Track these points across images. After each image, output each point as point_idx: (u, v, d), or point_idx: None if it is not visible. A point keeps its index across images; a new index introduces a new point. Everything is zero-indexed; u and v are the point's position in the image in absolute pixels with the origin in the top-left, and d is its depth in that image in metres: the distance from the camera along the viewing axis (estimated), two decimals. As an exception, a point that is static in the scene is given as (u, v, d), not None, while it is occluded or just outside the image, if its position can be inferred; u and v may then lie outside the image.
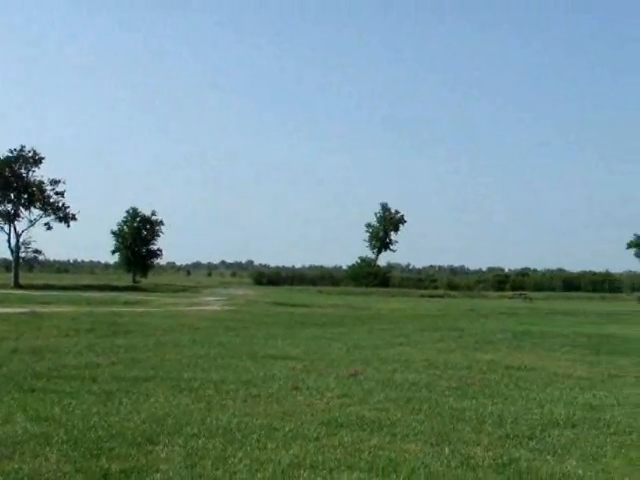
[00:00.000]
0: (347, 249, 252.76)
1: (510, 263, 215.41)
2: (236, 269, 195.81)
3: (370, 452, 7.98)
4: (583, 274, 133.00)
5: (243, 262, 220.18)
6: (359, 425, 9.38)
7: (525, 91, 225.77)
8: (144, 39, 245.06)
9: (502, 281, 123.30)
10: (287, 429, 8.98)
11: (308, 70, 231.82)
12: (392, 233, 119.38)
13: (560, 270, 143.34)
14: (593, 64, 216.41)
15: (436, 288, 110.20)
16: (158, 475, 6.98)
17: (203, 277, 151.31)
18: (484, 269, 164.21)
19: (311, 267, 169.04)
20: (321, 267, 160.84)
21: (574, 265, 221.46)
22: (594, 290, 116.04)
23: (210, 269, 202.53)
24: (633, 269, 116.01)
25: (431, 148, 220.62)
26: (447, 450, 8.15)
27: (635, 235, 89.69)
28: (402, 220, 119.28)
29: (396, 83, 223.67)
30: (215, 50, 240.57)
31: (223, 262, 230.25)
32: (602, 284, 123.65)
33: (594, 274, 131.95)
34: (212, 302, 48.84)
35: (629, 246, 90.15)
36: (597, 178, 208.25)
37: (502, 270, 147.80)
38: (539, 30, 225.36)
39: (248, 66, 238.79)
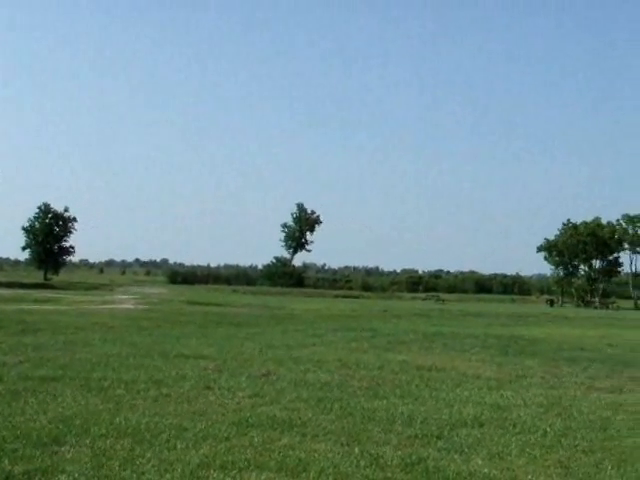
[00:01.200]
0: (263, 248, 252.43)
1: (424, 265, 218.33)
2: (150, 267, 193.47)
3: (280, 452, 7.98)
4: (494, 277, 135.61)
5: (158, 260, 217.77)
6: (270, 425, 9.38)
7: (433, 88, 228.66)
8: None
9: (415, 282, 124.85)
10: (197, 429, 8.93)
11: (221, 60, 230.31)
12: (308, 233, 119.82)
13: (472, 272, 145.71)
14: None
15: (351, 289, 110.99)
16: (63, 476, 6.86)
17: (117, 275, 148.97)
18: (398, 270, 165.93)
19: (227, 266, 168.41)
20: (237, 266, 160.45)
21: (486, 268, 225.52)
22: (505, 292, 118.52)
23: (124, 267, 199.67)
24: (542, 272, 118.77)
25: (347, 148, 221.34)
26: (357, 450, 8.22)
27: (545, 239, 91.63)
28: (318, 220, 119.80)
29: (313, 79, 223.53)
30: None
31: (137, 260, 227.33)
32: (512, 286, 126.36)
33: (505, 277, 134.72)
34: (125, 300, 48.16)
35: (539, 250, 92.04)
36: (510, 183, 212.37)
37: (416, 272, 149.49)
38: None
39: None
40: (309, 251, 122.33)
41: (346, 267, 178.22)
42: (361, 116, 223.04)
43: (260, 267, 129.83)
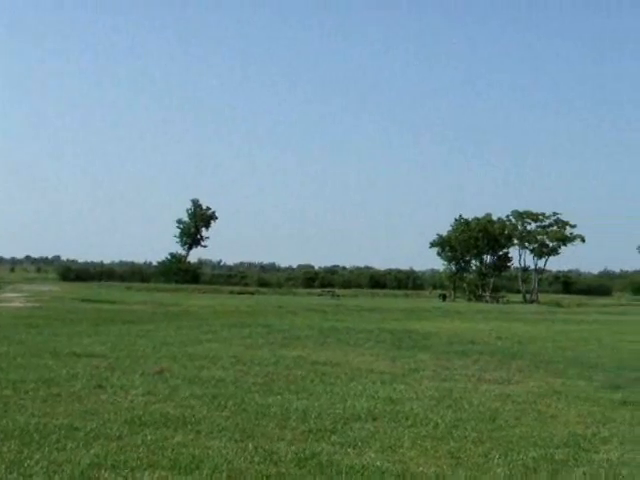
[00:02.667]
0: (157, 245, 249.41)
1: (319, 261, 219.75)
2: (42, 264, 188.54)
3: (173, 450, 7.92)
4: (389, 272, 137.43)
5: (49, 257, 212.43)
6: (163, 423, 9.29)
7: (334, 81, 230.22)
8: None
9: (311, 278, 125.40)
10: (88, 428, 8.77)
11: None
12: (203, 229, 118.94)
13: (367, 268, 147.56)
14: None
15: (246, 285, 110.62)
16: (-54, 481, 6.64)
17: (5, 273, 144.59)
18: (294, 266, 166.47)
19: (121, 263, 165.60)
20: (131, 263, 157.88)
21: (381, 263, 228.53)
22: (399, 287, 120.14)
23: (13, 264, 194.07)
24: (435, 267, 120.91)
25: (241, 143, 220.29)
26: (251, 446, 8.22)
27: (438, 235, 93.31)
28: (213, 216, 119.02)
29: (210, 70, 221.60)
30: None
31: (28, 257, 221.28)
32: (406, 281, 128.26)
33: (399, 272, 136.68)
34: (14, 298, 46.79)
35: (432, 245, 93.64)
36: (403, 179, 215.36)
37: (312, 267, 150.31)
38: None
39: None
40: (204, 247, 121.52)
41: (242, 263, 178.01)
42: (255, 112, 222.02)
43: (155, 264, 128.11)
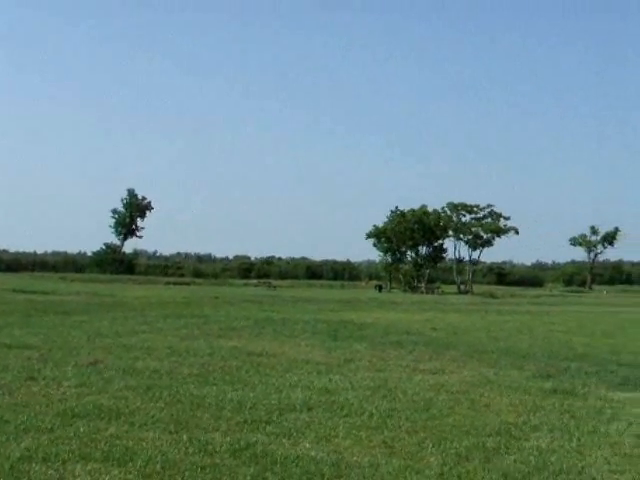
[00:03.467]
0: (92, 235, 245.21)
1: (256, 251, 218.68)
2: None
3: (107, 442, 7.83)
4: (325, 263, 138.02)
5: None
6: (96, 414, 9.18)
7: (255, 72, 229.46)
8: None
9: (248, 269, 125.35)
10: (19, 421, 8.62)
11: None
12: (139, 219, 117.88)
13: (304, 259, 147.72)
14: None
15: (182, 275, 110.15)
16: None
17: None
18: (230, 257, 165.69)
19: (54, 253, 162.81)
20: (64, 253, 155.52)
21: (317, 254, 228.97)
22: (335, 278, 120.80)
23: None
24: (372, 258, 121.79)
25: (174, 132, 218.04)
26: (185, 437, 8.17)
27: (374, 226, 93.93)
28: (149, 206, 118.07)
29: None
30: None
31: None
32: (343, 272, 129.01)
33: (335, 263, 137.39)
34: (-58, 289, 45.83)
35: (368, 236, 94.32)
36: (339, 170, 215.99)
37: (248, 258, 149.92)
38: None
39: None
40: (140, 237, 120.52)
41: (178, 254, 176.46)
42: (188, 103, 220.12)
43: (89, 254, 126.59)
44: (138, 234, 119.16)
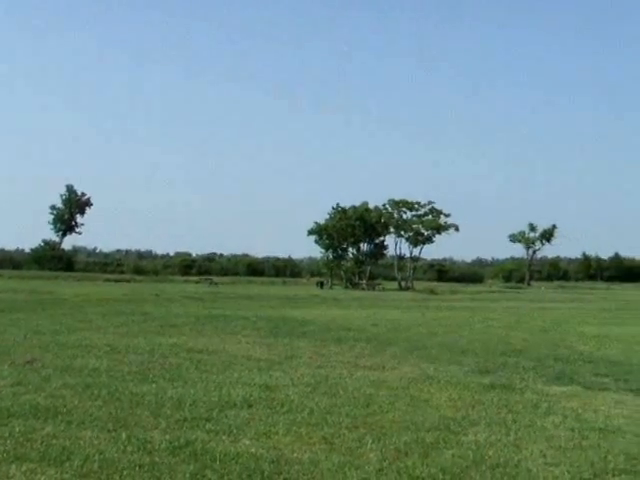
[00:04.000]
0: (30, 231, 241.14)
1: (197, 248, 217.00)
2: None
3: (43, 441, 7.72)
4: (267, 259, 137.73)
5: None
6: (33, 414, 9.04)
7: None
8: None
9: (189, 266, 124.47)
10: (-47, 421, 8.46)
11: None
12: (78, 216, 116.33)
13: (245, 255, 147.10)
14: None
15: (122, 272, 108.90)
16: None
17: None
18: (172, 254, 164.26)
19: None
20: (2, 250, 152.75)
21: (259, 251, 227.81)
22: (277, 275, 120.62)
23: None
24: (313, 255, 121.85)
25: (114, 128, 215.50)
26: (124, 435, 8.09)
27: (315, 223, 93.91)
28: (89, 203, 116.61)
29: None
30: None
31: None
32: (284, 269, 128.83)
33: (277, 259, 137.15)
34: None
35: (309, 233, 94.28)
36: (281, 167, 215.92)
37: (189, 255, 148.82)
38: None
39: None
40: (79, 234, 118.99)
41: (118, 250, 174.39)
42: (131, 97, 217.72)
43: (28, 251, 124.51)
44: (77, 230, 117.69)
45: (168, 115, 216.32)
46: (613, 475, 7.23)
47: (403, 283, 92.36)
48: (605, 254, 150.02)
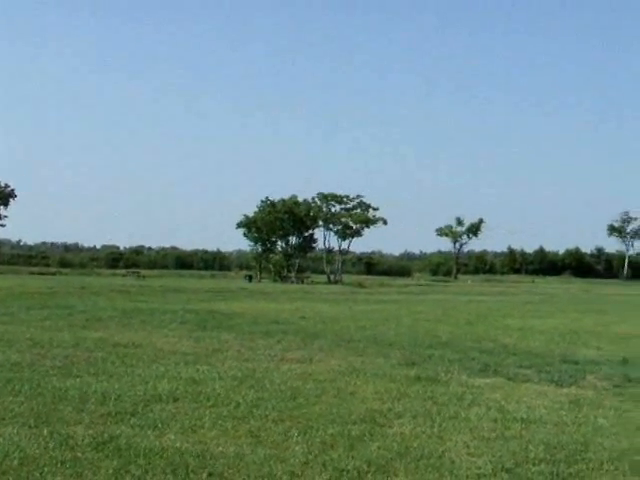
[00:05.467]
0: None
1: (125, 241, 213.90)
2: None
3: (-39, 438, 7.55)
4: (195, 252, 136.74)
5: None
6: (-49, 410, 8.84)
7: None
8: None
9: (116, 259, 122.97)
10: None
11: None
12: (2, 207, 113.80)
13: (174, 248, 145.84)
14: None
15: (48, 265, 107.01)
16: None
17: None
18: (98, 246, 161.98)
19: None
20: None
21: (187, 244, 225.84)
22: (206, 268, 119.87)
23: None
24: (242, 248, 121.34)
25: (39, 118, 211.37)
26: (46, 431, 7.96)
27: (244, 216, 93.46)
28: (12, 194, 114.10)
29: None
30: None
31: None
32: (213, 262, 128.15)
33: (206, 252, 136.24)
34: None
35: (238, 226, 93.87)
36: (208, 159, 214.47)
37: (117, 248, 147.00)
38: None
39: None
40: (3, 226, 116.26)
41: (43, 243, 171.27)
42: (59, 88, 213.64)
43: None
44: (1, 223, 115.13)
45: (92, 107, 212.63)
46: (534, 464, 7.37)
47: (332, 276, 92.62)
48: (530, 248, 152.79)
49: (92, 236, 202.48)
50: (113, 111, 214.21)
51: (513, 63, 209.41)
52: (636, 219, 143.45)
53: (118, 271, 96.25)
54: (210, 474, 6.75)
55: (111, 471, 6.72)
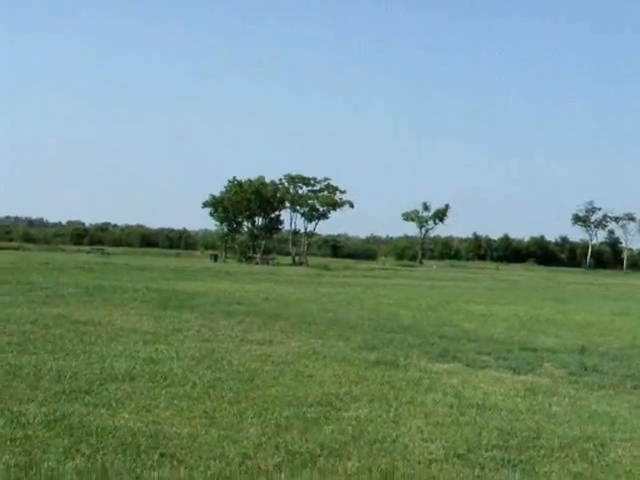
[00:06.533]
0: None
1: (90, 217, 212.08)
2: None
3: None
4: (161, 231, 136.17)
5: None
6: None
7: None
8: None
9: (81, 235, 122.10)
10: None
11: None
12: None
13: (139, 226, 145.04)
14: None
15: (11, 240, 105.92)
16: None
17: None
18: (64, 222, 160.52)
19: None
20: None
21: (153, 222, 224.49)
22: (171, 247, 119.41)
23: None
24: (208, 228, 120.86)
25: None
26: (-3, 408, 7.88)
27: (211, 195, 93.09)
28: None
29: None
30: None
31: None
32: (179, 241, 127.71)
33: (172, 231, 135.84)
34: None
35: (204, 205, 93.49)
36: (178, 139, 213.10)
37: (82, 224, 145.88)
38: None
39: None
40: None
41: (7, 217, 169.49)
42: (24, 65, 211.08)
43: None
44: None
45: (62, 82, 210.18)
46: (486, 450, 7.41)
47: (297, 258, 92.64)
48: (495, 235, 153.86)
49: (57, 212, 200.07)
50: (82, 87, 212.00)
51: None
52: (600, 209, 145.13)
53: (83, 248, 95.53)
54: (162, 454, 6.70)
55: (61, 449, 6.65)
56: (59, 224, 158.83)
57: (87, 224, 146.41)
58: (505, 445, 7.62)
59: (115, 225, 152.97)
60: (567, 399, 10.25)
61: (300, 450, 7.06)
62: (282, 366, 11.63)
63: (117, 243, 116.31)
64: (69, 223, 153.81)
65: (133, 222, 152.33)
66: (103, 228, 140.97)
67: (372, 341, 15.23)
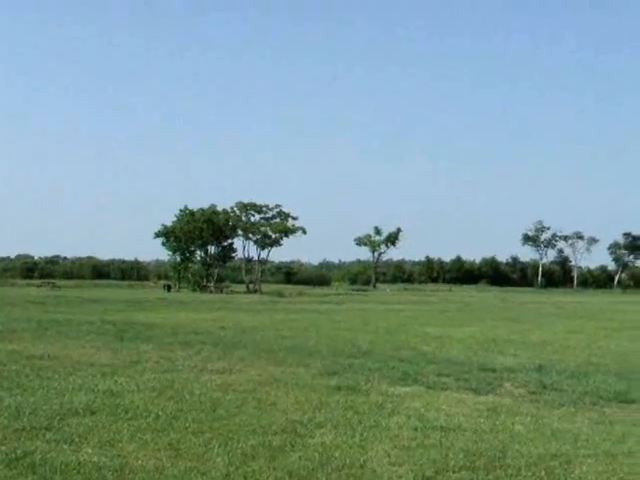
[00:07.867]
0: None
1: (39, 251, 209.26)
2: None
3: None
4: (112, 262, 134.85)
5: None
6: None
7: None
8: None
9: (30, 269, 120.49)
10: None
11: None
12: None
13: (90, 258, 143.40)
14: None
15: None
16: None
17: None
18: (12, 256, 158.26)
19: None
20: None
21: (104, 253, 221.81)
22: (123, 278, 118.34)
23: None
24: (161, 258, 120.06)
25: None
26: (-44, 448, 7.71)
27: (162, 225, 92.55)
28: None
29: None
30: None
31: None
32: (131, 272, 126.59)
33: (123, 262, 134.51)
34: None
35: (156, 235, 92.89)
36: (127, 168, 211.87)
37: (31, 257, 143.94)
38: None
39: None
40: None
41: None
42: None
43: None
44: None
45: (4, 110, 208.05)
46: (454, 472, 7.44)
47: (251, 286, 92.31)
48: (447, 257, 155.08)
49: (5, 246, 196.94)
50: (25, 115, 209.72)
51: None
52: (549, 228, 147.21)
53: (33, 281, 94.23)
54: (129, 489, 6.62)
55: (25, 488, 6.54)
56: (7, 258, 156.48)
57: (36, 257, 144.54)
58: (472, 466, 7.65)
59: (65, 258, 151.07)
60: (529, 418, 10.33)
61: (268, 479, 7.03)
62: (244, 395, 11.56)
63: (68, 276, 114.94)
64: (17, 257, 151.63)
65: (83, 254, 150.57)
66: (53, 261, 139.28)
67: (332, 367, 15.21)
